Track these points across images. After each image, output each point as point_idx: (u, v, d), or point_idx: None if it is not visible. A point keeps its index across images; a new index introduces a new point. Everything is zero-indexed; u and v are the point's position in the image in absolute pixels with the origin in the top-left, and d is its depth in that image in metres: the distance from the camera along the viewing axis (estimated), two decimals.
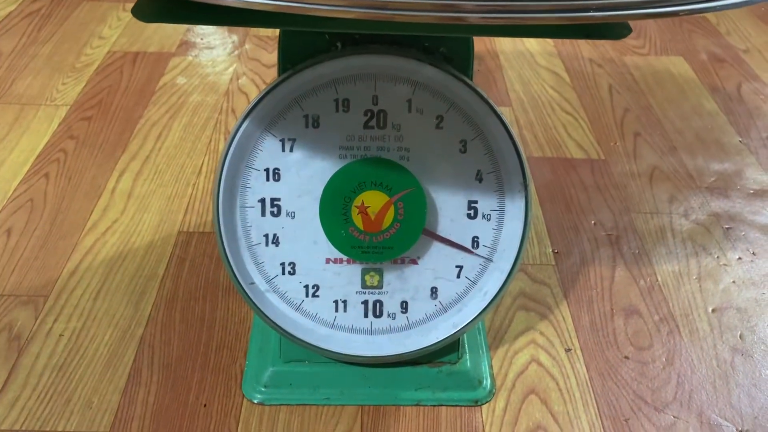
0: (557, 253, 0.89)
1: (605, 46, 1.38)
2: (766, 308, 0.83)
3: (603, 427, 0.69)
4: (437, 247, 0.65)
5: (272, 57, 1.32)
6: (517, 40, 1.39)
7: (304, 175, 0.62)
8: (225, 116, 1.14)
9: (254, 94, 1.18)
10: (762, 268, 0.88)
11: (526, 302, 0.82)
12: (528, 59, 1.34)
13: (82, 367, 0.72)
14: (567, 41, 1.39)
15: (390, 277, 0.66)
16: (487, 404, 0.70)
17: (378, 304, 0.66)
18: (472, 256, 0.65)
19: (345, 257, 0.65)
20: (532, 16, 0.42)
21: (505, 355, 0.75)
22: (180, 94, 1.19)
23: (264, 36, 1.39)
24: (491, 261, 0.65)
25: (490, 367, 0.73)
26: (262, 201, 0.63)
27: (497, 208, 0.64)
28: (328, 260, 0.65)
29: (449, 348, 0.70)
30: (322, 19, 0.49)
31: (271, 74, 1.26)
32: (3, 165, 1.01)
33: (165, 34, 1.36)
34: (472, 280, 0.65)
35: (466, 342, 0.73)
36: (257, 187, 0.63)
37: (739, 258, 0.90)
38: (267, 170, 0.62)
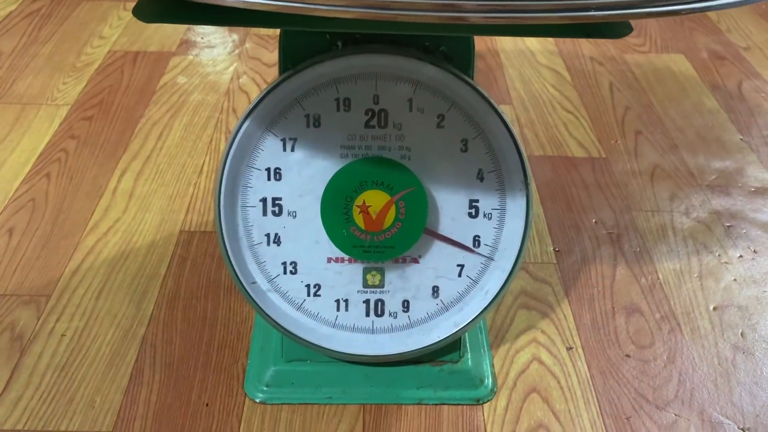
0: (558, 251, 0.89)
1: (606, 44, 1.38)
2: (767, 306, 0.83)
3: (604, 426, 0.69)
4: (438, 246, 0.65)
5: (273, 56, 1.32)
6: (518, 38, 1.39)
7: (305, 174, 0.62)
8: (226, 116, 1.14)
9: (255, 94, 1.18)
10: (763, 266, 0.88)
11: (528, 301, 0.82)
12: (528, 57, 1.34)
13: (85, 367, 0.73)
14: (567, 40, 1.39)
15: (391, 277, 0.66)
16: (488, 403, 0.70)
17: (379, 303, 0.66)
18: (473, 255, 0.65)
19: (346, 256, 0.65)
20: (532, 15, 0.42)
21: (506, 354, 0.75)
22: (181, 94, 1.19)
23: (264, 35, 1.39)
24: (492, 260, 0.65)
25: (492, 365, 0.73)
26: (264, 200, 0.63)
27: (498, 207, 0.64)
28: (329, 260, 0.65)
29: (451, 347, 0.70)
30: (322, 18, 0.49)
31: (272, 73, 1.26)
32: (4, 165, 1.01)
33: (165, 33, 1.36)
34: (474, 279, 0.66)
35: (467, 341, 0.73)
36: (258, 186, 0.63)
37: (741, 256, 0.90)
38: (268, 170, 0.62)
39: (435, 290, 0.66)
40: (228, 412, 0.69)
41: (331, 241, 0.64)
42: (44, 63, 1.26)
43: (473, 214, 0.64)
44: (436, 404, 0.70)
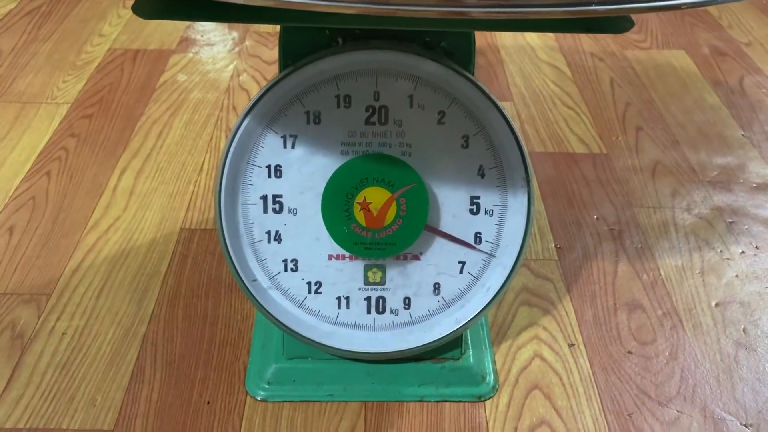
0: (560, 248, 0.89)
1: (606, 40, 1.38)
2: None
3: (606, 422, 0.69)
4: (440, 242, 0.65)
5: (273, 53, 1.31)
6: (518, 34, 1.39)
7: (305, 171, 0.62)
8: (226, 113, 1.14)
9: (255, 91, 1.18)
10: (765, 262, 0.88)
11: (529, 297, 0.82)
12: (529, 53, 1.33)
13: (86, 365, 0.72)
14: (568, 35, 1.39)
15: (392, 274, 0.66)
16: (490, 400, 0.70)
17: (381, 301, 0.66)
18: (474, 251, 0.65)
19: (347, 254, 0.65)
20: (534, 10, 0.42)
21: (508, 351, 0.75)
22: (181, 92, 1.19)
23: (264, 32, 1.39)
24: (494, 256, 0.65)
25: (494, 362, 0.73)
26: (264, 198, 0.63)
27: (499, 204, 0.63)
28: (330, 257, 0.65)
29: (452, 344, 0.70)
30: (322, 14, 0.49)
31: (272, 71, 1.26)
32: (4, 163, 1.01)
33: (165, 31, 1.36)
34: (475, 275, 0.65)
35: (469, 338, 0.73)
36: (259, 184, 0.62)
37: (742, 252, 0.90)
38: (269, 167, 0.62)
39: (436, 287, 0.66)
40: (229, 410, 0.68)
41: (332, 239, 0.63)
42: (44, 61, 1.26)
43: (474, 210, 0.64)
44: (438, 401, 0.70)
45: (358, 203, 0.62)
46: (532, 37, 1.39)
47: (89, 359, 0.73)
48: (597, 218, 0.94)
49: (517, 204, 0.63)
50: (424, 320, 0.67)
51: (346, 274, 0.65)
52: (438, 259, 0.65)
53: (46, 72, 1.23)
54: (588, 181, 1.01)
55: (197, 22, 1.38)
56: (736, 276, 0.86)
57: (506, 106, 1.17)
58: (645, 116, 1.16)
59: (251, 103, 0.60)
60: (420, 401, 0.70)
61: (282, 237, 0.64)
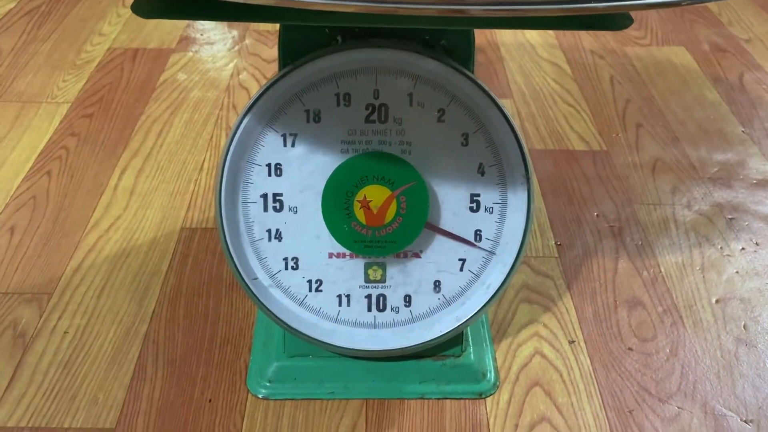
0: (560, 245, 0.89)
1: (606, 37, 1.38)
2: None
3: (607, 419, 0.69)
4: (440, 240, 0.65)
5: (273, 52, 1.31)
6: (518, 31, 1.39)
7: (305, 170, 0.62)
8: (226, 112, 1.14)
9: (255, 90, 1.18)
10: (765, 258, 0.88)
11: (530, 295, 0.82)
12: (529, 51, 1.33)
13: (87, 364, 0.73)
14: (568, 32, 1.39)
15: (393, 271, 0.66)
16: (491, 397, 0.70)
17: (381, 298, 0.66)
18: (474, 249, 0.65)
19: (348, 252, 0.65)
20: (534, 7, 0.42)
21: (508, 348, 0.75)
22: (181, 90, 1.19)
23: (264, 31, 1.39)
24: (494, 254, 0.65)
25: (494, 359, 0.73)
26: (265, 196, 0.63)
27: (499, 201, 0.64)
28: (331, 255, 0.65)
29: (453, 341, 0.70)
30: (322, 13, 0.49)
31: (272, 69, 1.26)
32: (5, 163, 1.01)
33: (165, 30, 1.36)
34: (475, 273, 0.65)
35: (469, 335, 0.73)
36: (259, 182, 0.63)
37: (743, 248, 0.90)
38: (269, 165, 0.62)
39: (437, 285, 0.66)
40: (231, 408, 0.69)
41: (332, 237, 0.63)
42: (44, 61, 1.26)
43: (474, 208, 0.64)
44: (439, 398, 0.70)
45: (358, 201, 0.62)
46: (531, 35, 1.39)
47: (91, 358, 0.73)
48: (597, 215, 0.94)
49: (517, 201, 0.63)
50: (425, 318, 0.67)
51: (347, 272, 0.65)
52: (438, 257, 0.65)
53: (45, 71, 1.23)
54: (588, 178, 1.01)
55: (197, 21, 1.38)
56: (737, 272, 0.86)
57: (506, 104, 1.17)
58: (645, 113, 1.16)
59: (251, 101, 0.60)
60: (421, 398, 0.70)
61: (282, 235, 0.64)
